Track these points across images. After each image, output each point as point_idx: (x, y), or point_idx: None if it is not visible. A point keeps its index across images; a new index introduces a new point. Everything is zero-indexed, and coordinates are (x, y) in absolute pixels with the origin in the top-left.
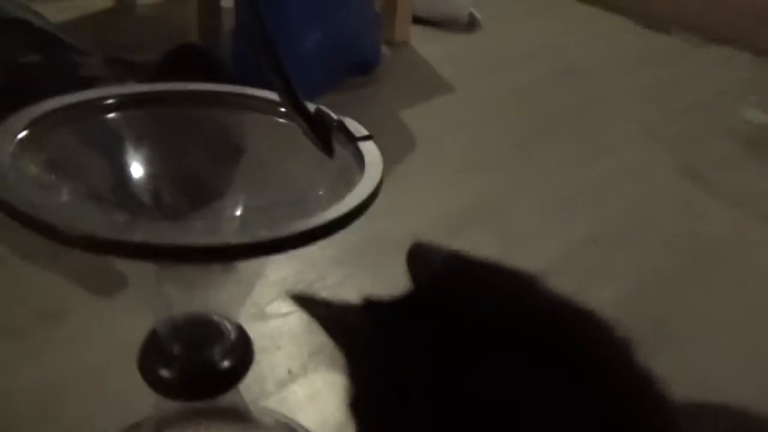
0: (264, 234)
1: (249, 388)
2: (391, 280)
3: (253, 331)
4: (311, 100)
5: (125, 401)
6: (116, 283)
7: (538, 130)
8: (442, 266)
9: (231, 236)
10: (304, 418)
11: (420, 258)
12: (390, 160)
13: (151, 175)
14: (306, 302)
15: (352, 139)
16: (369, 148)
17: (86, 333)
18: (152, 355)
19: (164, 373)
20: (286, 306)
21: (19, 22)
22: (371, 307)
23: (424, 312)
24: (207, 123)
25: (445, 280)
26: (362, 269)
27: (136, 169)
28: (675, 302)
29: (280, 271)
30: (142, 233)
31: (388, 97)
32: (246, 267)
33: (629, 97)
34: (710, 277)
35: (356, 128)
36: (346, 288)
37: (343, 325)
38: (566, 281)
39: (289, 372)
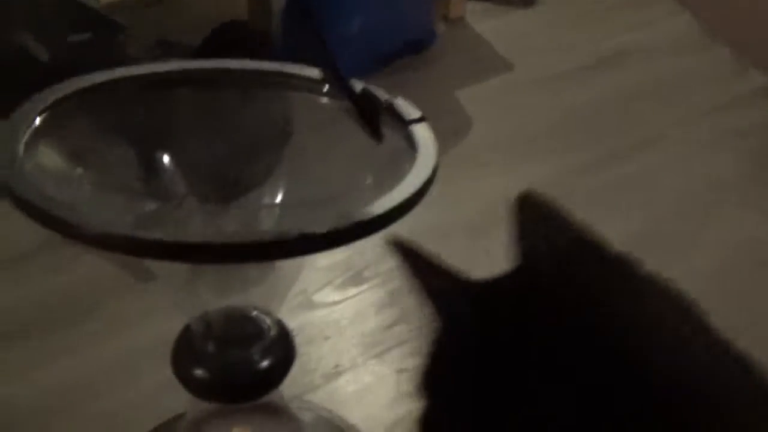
0: (299, 231)
1: (294, 381)
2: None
3: (298, 320)
4: (361, 77)
5: (157, 396)
6: (151, 274)
7: (600, 112)
8: (565, 248)
9: (266, 232)
10: (350, 413)
11: (534, 221)
12: (442, 144)
13: (186, 162)
14: (410, 258)
15: (404, 122)
16: (422, 132)
17: (119, 326)
18: (186, 353)
19: (199, 373)
20: (335, 294)
21: (68, 1)
22: (479, 288)
23: (537, 305)
24: (248, 104)
25: (568, 269)
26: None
27: (169, 156)
28: (732, 302)
29: (329, 257)
30: (168, 227)
31: (443, 76)
32: None
33: (694, 81)
34: None
35: (408, 109)
36: (399, 277)
37: (447, 303)
38: None
39: (336, 366)
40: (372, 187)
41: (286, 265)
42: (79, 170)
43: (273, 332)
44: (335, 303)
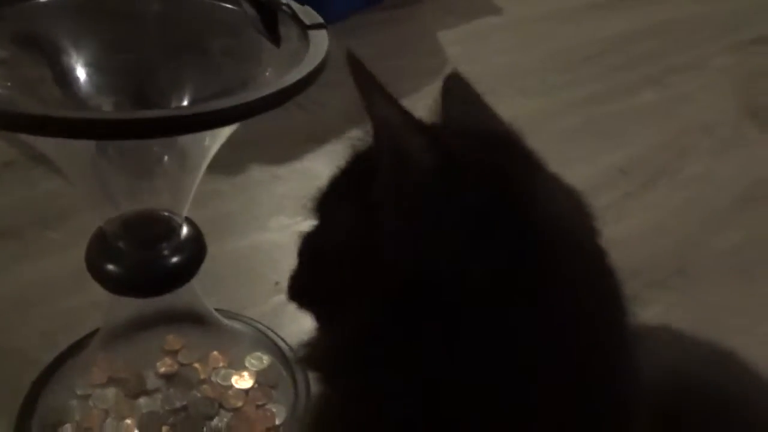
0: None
1: (234, 296)
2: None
3: (249, 242)
4: (346, 17)
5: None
6: None
7: (585, 56)
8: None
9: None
10: (282, 328)
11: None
12: (420, 83)
13: (100, 75)
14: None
15: (303, 26)
16: (319, 36)
17: (81, 238)
18: (99, 252)
19: (111, 268)
20: (287, 220)
21: None
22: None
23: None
24: (160, 14)
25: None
26: None
27: (83, 70)
28: (702, 242)
29: (284, 186)
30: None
31: (428, 17)
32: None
33: (688, 25)
34: (749, 221)
35: (310, 15)
36: None
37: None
38: None
39: (276, 284)
40: (272, 78)
41: (189, 169)
42: None
43: (184, 232)
44: (285, 228)
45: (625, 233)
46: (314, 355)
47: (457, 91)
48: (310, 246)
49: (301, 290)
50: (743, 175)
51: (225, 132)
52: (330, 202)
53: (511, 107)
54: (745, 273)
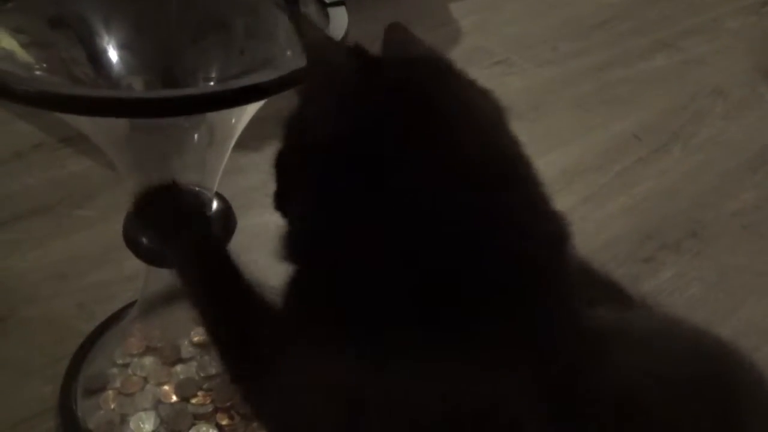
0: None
1: (258, 270)
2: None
3: (271, 217)
4: None
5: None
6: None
7: (596, 23)
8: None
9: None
10: None
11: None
12: None
13: (130, 53)
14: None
15: (323, 4)
16: (338, 14)
17: (110, 215)
18: (134, 225)
19: (145, 241)
20: None
21: None
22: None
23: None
24: None
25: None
26: None
27: (115, 49)
28: (714, 205)
29: None
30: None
31: None
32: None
33: None
34: (762, 183)
35: None
36: None
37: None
38: (601, 176)
39: None
40: (292, 58)
41: (217, 145)
42: (30, 58)
43: (215, 206)
44: None
45: (639, 198)
46: (285, 249)
47: (396, 34)
48: (278, 160)
49: (276, 199)
50: (756, 137)
51: (251, 110)
52: (292, 124)
53: (524, 77)
54: (757, 235)
